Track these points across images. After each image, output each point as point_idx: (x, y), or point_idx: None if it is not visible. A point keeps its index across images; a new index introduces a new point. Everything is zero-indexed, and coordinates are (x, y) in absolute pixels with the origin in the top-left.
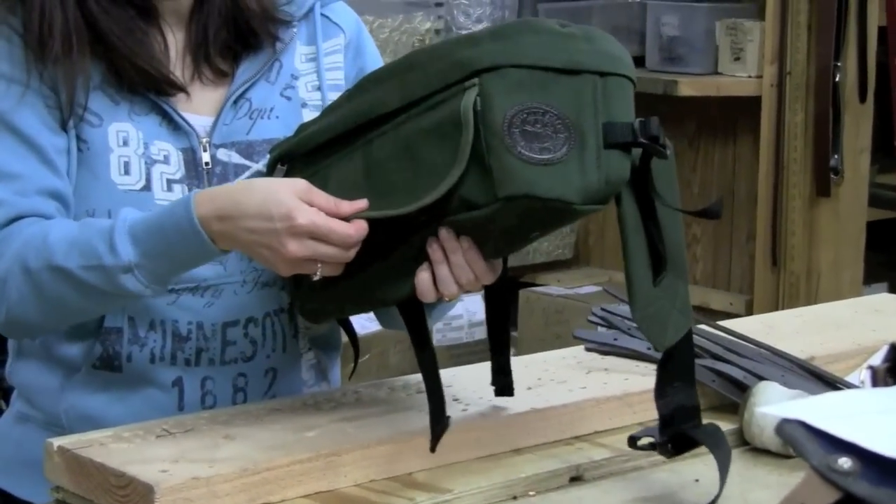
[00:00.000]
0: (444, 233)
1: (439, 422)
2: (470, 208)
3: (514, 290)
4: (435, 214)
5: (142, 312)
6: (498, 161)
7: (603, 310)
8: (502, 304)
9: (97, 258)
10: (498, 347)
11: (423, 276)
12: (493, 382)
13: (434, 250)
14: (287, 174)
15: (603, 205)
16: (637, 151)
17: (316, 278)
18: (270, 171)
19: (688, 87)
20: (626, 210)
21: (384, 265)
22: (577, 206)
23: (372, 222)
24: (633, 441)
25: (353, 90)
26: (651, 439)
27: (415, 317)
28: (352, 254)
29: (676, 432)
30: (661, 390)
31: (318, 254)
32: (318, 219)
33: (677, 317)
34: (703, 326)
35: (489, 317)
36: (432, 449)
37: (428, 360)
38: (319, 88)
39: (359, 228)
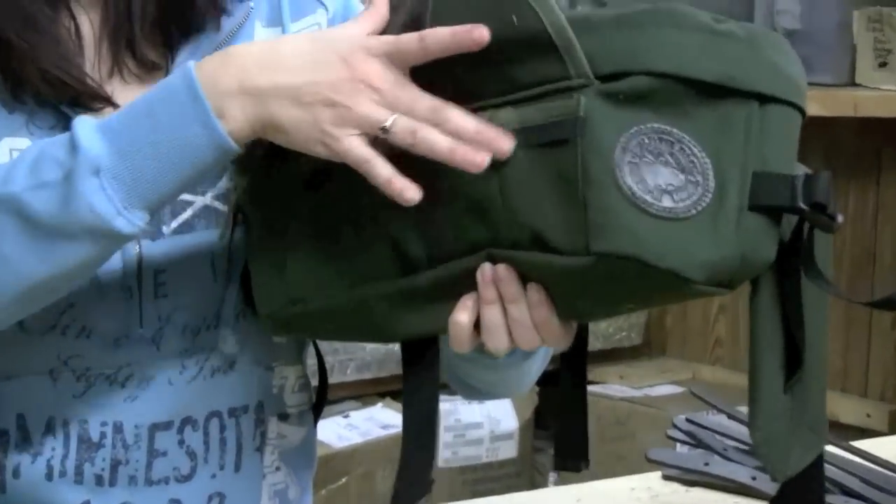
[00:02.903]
0: (503, 271)
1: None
2: (543, 248)
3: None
4: (493, 238)
5: (35, 408)
6: (599, 196)
7: (688, 421)
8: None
9: (51, 168)
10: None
11: (459, 320)
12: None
13: (486, 286)
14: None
15: (729, 289)
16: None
17: (388, 132)
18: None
19: (813, 103)
20: (763, 295)
21: (399, 285)
22: (697, 285)
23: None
24: None
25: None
26: None
27: (423, 355)
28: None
29: None
30: None
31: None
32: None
33: (806, 435)
34: (829, 448)
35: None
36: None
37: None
38: None
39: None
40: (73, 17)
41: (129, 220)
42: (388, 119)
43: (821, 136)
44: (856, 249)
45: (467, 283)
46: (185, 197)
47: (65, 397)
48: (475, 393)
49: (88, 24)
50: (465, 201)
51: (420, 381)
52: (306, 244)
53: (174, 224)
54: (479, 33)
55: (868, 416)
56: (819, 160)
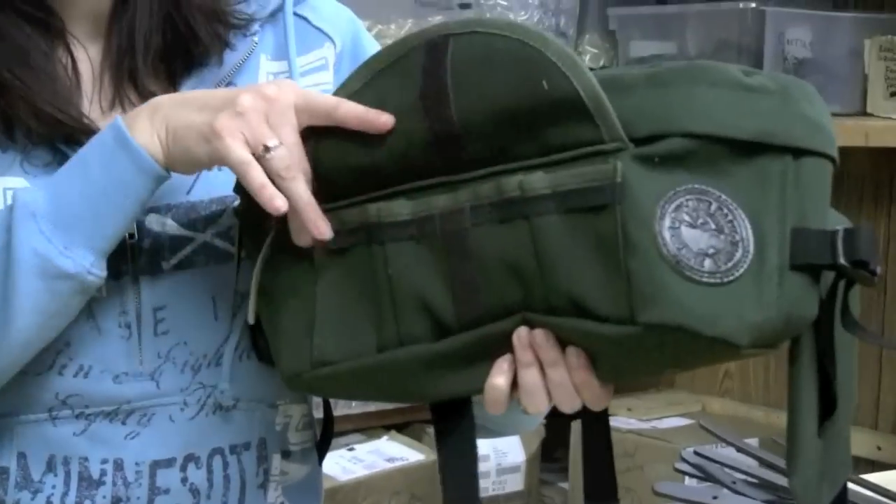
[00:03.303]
0: (541, 336)
1: None
2: (584, 314)
3: (566, 420)
4: (528, 302)
5: (37, 446)
6: (643, 266)
7: (697, 454)
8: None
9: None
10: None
11: (496, 384)
12: None
13: (523, 350)
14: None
15: (772, 349)
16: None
17: (270, 153)
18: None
19: None
20: (804, 348)
21: (431, 349)
22: (743, 349)
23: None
24: None
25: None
26: None
27: (456, 416)
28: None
29: None
30: None
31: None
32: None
33: (836, 469)
34: None
35: (587, 451)
36: None
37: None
38: None
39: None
40: (71, 53)
41: (73, 260)
42: (274, 141)
43: None
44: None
45: (502, 345)
46: (185, 233)
47: (65, 435)
48: (484, 432)
49: (87, 58)
50: (498, 265)
51: (457, 442)
52: (334, 308)
53: (174, 260)
54: (385, 120)
55: (879, 448)
56: (831, 190)
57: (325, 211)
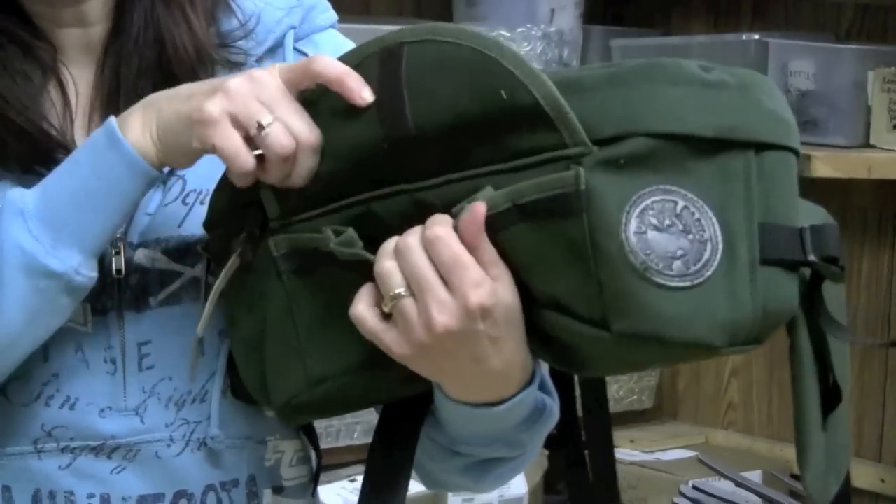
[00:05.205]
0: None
1: None
2: (563, 311)
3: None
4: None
5: (22, 479)
6: (614, 278)
7: (696, 489)
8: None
9: None
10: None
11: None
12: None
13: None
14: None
15: (758, 344)
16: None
17: (265, 130)
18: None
19: (826, 165)
20: (801, 342)
21: None
22: (721, 349)
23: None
24: None
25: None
26: None
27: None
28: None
29: None
30: None
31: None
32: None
33: (838, 455)
34: None
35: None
36: None
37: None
38: None
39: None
40: (62, 85)
41: (60, 259)
42: (268, 118)
43: (834, 197)
44: (870, 314)
45: None
46: (175, 267)
47: (50, 469)
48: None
49: (73, 89)
50: None
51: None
52: (320, 325)
53: (162, 296)
54: (363, 93)
55: (882, 481)
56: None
57: (283, 229)
